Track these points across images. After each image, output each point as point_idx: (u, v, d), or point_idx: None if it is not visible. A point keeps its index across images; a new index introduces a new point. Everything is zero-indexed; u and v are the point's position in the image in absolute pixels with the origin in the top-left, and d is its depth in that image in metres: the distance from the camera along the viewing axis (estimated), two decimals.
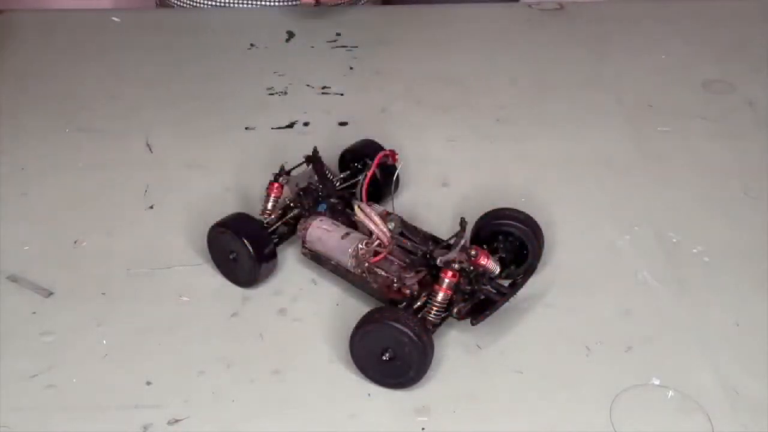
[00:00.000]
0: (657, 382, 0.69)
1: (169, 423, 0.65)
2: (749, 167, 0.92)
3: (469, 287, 0.70)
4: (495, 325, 0.72)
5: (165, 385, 0.68)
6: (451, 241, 0.73)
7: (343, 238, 0.74)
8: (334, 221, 0.76)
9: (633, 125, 0.98)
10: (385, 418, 0.66)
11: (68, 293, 0.76)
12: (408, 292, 0.71)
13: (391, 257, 0.74)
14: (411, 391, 0.68)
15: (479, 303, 0.71)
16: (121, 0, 1.28)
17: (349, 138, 0.86)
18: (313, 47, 1.12)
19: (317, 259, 0.76)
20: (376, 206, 0.77)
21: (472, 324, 0.70)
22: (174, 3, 1.20)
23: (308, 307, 0.75)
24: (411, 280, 0.71)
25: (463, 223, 0.73)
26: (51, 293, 0.76)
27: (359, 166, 0.82)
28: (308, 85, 1.05)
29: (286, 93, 1.03)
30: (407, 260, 0.73)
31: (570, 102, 1.02)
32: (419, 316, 0.68)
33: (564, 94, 1.04)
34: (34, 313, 0.74)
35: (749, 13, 1.20)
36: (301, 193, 0.79)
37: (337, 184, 0.81)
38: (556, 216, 0.84)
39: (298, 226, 0.77)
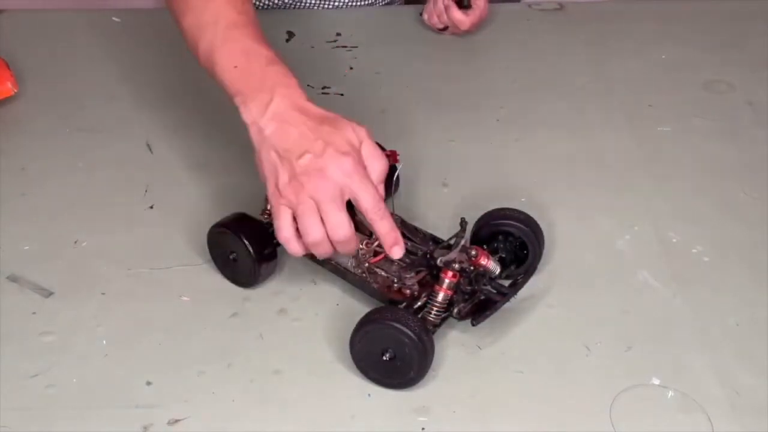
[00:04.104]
0: (657, 382, 0.69)
1: (169, 423, 0.65)
2: (749, 167, 0.92)
3: (469, 287, 0.70)
4: (495, 325, 0.72)
5: (165, 385, 0.68)
6: (451, 241, 0.73)
7: None
8: None
9: (633, 125, 0.98)
10: (385, 418, 0.66)
11: (68, 293, 0.76)
12: (408, 292, 0.71)
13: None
14: (411, 391, 0.68)
15: (480, 303, 0.71)
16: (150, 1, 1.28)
17: None
18: (313, 47, 1.12)
19: (317, 259, 0.76)
20: None
21: (473, 324, 0.70)
22: None
23: (308, 307, 0.75)
24: (411, 280, 0.71)
25: (463, 223, 0.73)
26: (51, 293, 0.76)
27: None
28: (308, 85, 1.04)
29: None
30: (407, 260, 0.73)
31: (570, 102, 1.02)
32: (419, 316, 0.68)
33: (564, 94, 1.04)
34: (34, 313, 0.74)
35: (749, 13, 1.20)
36: None
37: None
38: (556, 216, 0.84)
39: None
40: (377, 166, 0.69)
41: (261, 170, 0.71)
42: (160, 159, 0.92)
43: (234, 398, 0.67)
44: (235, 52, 0.74)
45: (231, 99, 0.73)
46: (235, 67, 0.73)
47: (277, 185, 0.68)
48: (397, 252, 0.69)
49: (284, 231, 0.69)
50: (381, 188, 0.69)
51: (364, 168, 0.68)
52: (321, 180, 0.67)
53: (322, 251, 0.69)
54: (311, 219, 0.67)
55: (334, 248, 0.69)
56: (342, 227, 0.67)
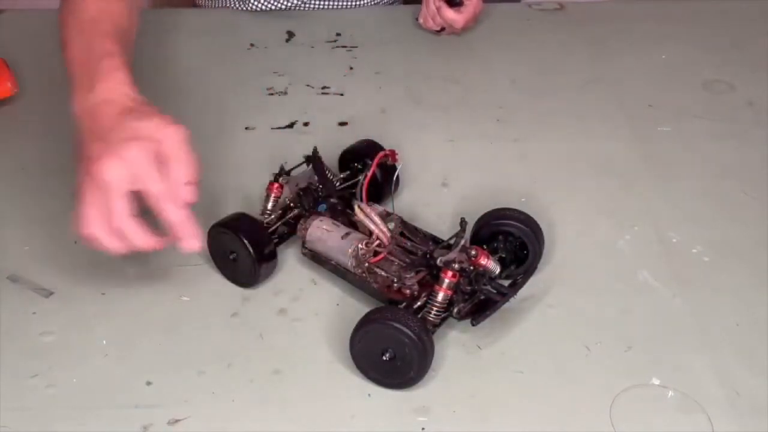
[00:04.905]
0: (657, 382, 0.69)
1: (169, 423, 0.65)
2: (749, 167, 0.92)
3: (469, 287, 0.70)
4: (495, 325, 0.72)
5: (165, 385, 0.68)
6: (451, 241, 0.73)
7: (343, 238, 0.74)
8: (334, 221, 0.76)
9: (633, 125, 0.98)
10: (385, 418, 0.66)
11: (68, 293, 0.76)
12: (408, 292, 0.71)
13: (391, 257, 0.74)
14: (411, 391, 0.68)
15: (479, 303, 0.71)
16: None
17: (349, 138, 0.86)
18: (313, 47, 1.12)
19: (317, 259, 0.76)
20: (376, 206, 0.77)
21: (473, 324, 0.70)
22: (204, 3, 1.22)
23: (308, 307, 0.75)
24: (411, 280, 0.71)
25: (463, 223, 0.73)
26: (51, 293, 0.76)
27: (359, 166, 0.82)
28: (308, 85, 1.05)
29: (286, 93, 1.03)
30: (407, 260, 0.73)
31: (570, 102, 1.02)
32: (419, 316, 0.68)
33: (564, 94, 1.04)
34: (34, 313, 0.74)
35: (749, 13, 1.20)
36: (301, 193, 0.79)
37: (337, 184, 0.81)
38: (556, 216, 0.84)
39: (298, 226, 0.77)
40: (177, 166, 0.66)
41: (78, 154, 0.70)
42: None
43: (234, 398, 0.67)
44: (82, 45, 0.75)
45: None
46: (77, 58, 0.75)
47: (84, 168, 0.67)
48: (190, 244, 0.66)
49: (87, 211, 0.66)
50: (184, 189, 0.66)
51: (154, 157, 0.65)
52: (104, 166, 0.64)
53: (109, 244, 0.66)
54: (90, 207, 0.65)
55: (127, 242, 0.66)
56: (118, 216, 0.65)
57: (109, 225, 0.66)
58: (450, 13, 1.10)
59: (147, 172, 0.65)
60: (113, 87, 0.70)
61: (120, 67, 0.72)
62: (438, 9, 1.11)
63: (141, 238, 0.67)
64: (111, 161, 0.65)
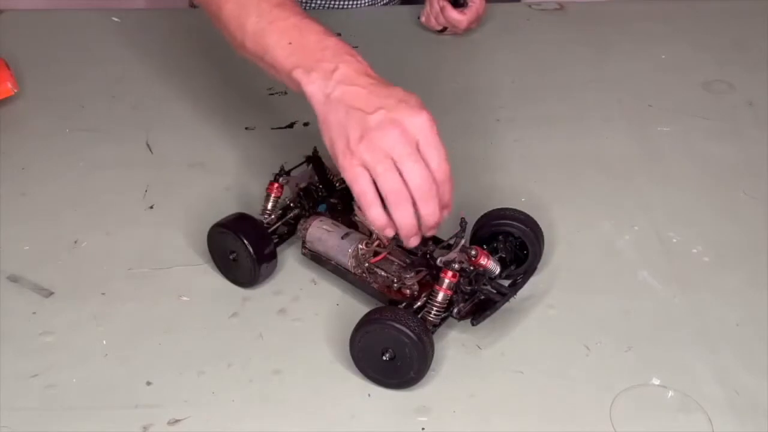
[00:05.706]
0: (657, 382, 0.69)
1: (169, 423, 0.65)
2: (749, 167, 0.92)
3: (469, 287, 0.70)
4: (495, 326, 0.72)
5: (165, 385, 0.68)
6: (451, 241, 0.73)
7: (343, 238, 0.74)
8: (334, 221, 0.76)
9: (633, 125, 0.98)
10: (385, 418, 0.66)
11: (68, 293, 0.76)
12: (408, 292, 0.71)
13: (391, 257, 0.74)
14: (411, 391, 0.68)
15: (479, 303, 0.71)
16: (157, 1, 1.29)
17: None
18: None
19: (317, 259, 0.76)
20: None
21: (473, 324, 0.70)
22: None
23: (308, 307, 0.75)
24: (411, 280, 0.71)
25: (463, 223, 0.73)
26: (51, 293, 0.76)
27: None
28: None
29: (286, 93, 1.03)
30: (407, 260, 0.73)
31: (570, 102, 1.02)
32: (419, 316, 0.68)
33: (564, 94, 1.04)
34: (34, 313, 0.74)
35: (749, 13, 1.20)
36: (301, 193, 0.79)
37: (337, 184, 0.81)
38: (556, 216, 0.84)
39: (298, 227, 0.77)
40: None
41: (327, 135, 0.68)
42: (160, 159, 0.92)
43: (234, 398, 0.67)
44: (287, 29, 0.73)
45: (286, 75, 0.71)
46: (290, 43, 0.72)
47: (348, 144, 0.66)
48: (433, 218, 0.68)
49: (368, 194, 0.66)
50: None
51: (437, 128, 0.66)
52: (397, 132, 0.64)
53: (405, 213, 0.66)
54: (391, 175, 0.65)
55: (416, 209, 0.66)
56: (425, 178, 0.65)
57: (413, 189, 0.65)
58: (454, 14, 1.10)
59: (433, 140, 0.66)
60: (358, 62, 0.71)
61: (348, 45, 0.73)
62: (442, 9, 1.11)
63: (436, 205, 0.67)
64: (403, 123, 0.65)
